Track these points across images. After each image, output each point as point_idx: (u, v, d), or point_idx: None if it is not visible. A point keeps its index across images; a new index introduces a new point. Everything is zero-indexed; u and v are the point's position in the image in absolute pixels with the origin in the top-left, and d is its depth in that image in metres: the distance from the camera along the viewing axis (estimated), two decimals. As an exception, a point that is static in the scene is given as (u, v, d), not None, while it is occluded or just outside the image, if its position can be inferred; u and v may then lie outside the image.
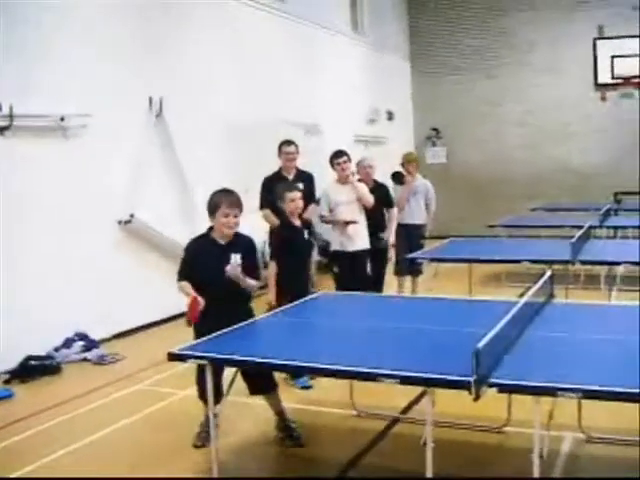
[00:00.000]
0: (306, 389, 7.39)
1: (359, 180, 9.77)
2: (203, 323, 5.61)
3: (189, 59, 11.58)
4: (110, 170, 9.92)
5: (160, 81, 10.86)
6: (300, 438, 6.12)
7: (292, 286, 7.11)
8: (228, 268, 5.73)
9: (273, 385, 6.11)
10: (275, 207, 8.27)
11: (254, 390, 6.05)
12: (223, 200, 5.85)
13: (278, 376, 6.46)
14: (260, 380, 5.96)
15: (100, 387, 7.88)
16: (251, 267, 5.98)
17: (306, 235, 7.52)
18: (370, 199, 9.35)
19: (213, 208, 5.86)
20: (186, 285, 5.80)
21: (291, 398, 7.04)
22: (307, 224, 9.61)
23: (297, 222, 7.39)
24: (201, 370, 5.41)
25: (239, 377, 5.79)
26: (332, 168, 9.43)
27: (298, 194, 7.33)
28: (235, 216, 5.85)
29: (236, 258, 5.84)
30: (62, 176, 9.25)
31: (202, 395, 5.74)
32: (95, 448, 6.22)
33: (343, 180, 9.30)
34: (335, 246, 9.36)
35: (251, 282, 5.91)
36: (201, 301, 5.60)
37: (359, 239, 9.32)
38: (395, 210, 10.45)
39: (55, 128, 9.12)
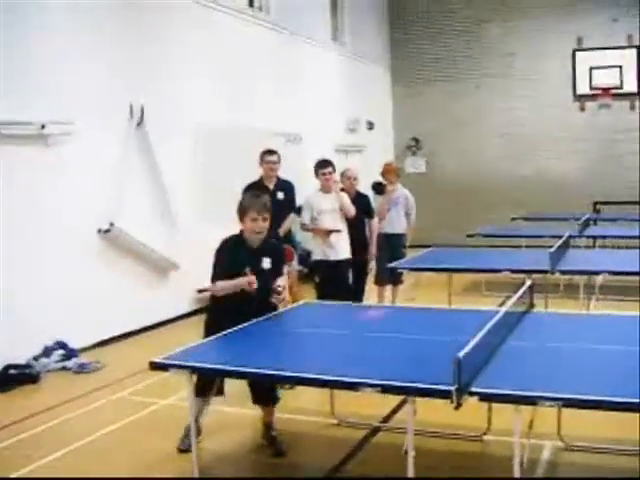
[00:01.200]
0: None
1: (341, 190, 9.79)
2: (220, 325, 5.70)
3: (170, 68, 11.58)
4: (90, 178, 9.89)
5: (141, 89, 10.84)
6: (282, 449, 6.13)
7: None
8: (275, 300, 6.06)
9: (275, 399, 6.18)
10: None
11: (257, 400, 6.13)
12: (252, 205, 5.92)
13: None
14: (265, 392, 6.05)
15: (80, 396, 7.83)
16: (277, 272, 6.13)
17: None
18: (352, 209, 9.37)
19: (242, 212, 5.93)
20: (225, 283, 5.83)
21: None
22: (287, 233, 9.67)
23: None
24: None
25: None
26: (316, 177, 9.44)
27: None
28: (264, 219, 5.92)
29: (267, 262, 6.01)
30: (42, 184, 9.21)
31: (198, 392, 5.76)
32: (74, 457, 6.19)
33: (327, 190, 9.32)
34: (317, 255, 9.37)
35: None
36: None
37: (341, 248, 9.34)
38: (375, 221, 10.49)
39: (36, 136, 9.08)
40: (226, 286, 5.80)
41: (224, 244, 6.00)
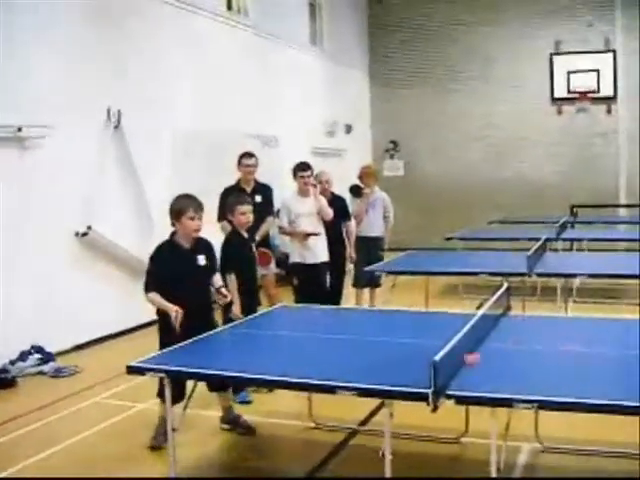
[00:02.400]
0: (246, 404, 7.26)
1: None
2: (170, 333, 5.71)
3: (148, 70, 11.54)
4: (68, 181, 9.83)
5: (118, 92, 10.80)
6: (250, 426, 6.38)
7: (243, 300, 6.99)
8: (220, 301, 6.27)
9: (228, 385, 6.33)
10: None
11: (213, 388, 6.26)
12: (188, 204, 6.05)
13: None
14: (219, 381, 6.02)
15: (56, 400, 7.78)
16: (214, 268, 6.36)
17: (253, 247, 7.48)
18: (329, 212, 9.35)
19: (178, 213, 6.04)
20: (157, 297, 5.91)
21: (248, 410, 7.03)
22: (264, 236, 9.63)
23: (245, 234, 7.32)
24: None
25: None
26: (294, 179, 9.42)
27: (249, 207, 7.26)
28: (199, 219, 6.07)
29: (202, 258, 6.15)
30: (19, 187, 9.16)
31: (160, 393, 5.74)
32: (51, 462, 6.14)
33: (305, 193, 9.30)
34: (294, 258, 9.36)
35: (218, 282, 6.39)
36: (180, 311, 5.73)
37: (319, 251, 9.32)
38: (353, 223, 10.50)
39: (12, 139, 9.03)
40: (156, 301, 5.94)
41: (158, 252, 6.13)
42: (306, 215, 9.26)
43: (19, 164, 9.22)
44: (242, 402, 7.24)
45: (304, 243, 9.20)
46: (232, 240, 7.28)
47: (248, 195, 9.09)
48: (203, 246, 6.24)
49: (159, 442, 6.03)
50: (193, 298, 5.95)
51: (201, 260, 6.16)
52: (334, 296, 9.82)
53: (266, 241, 9.87)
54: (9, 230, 8.99)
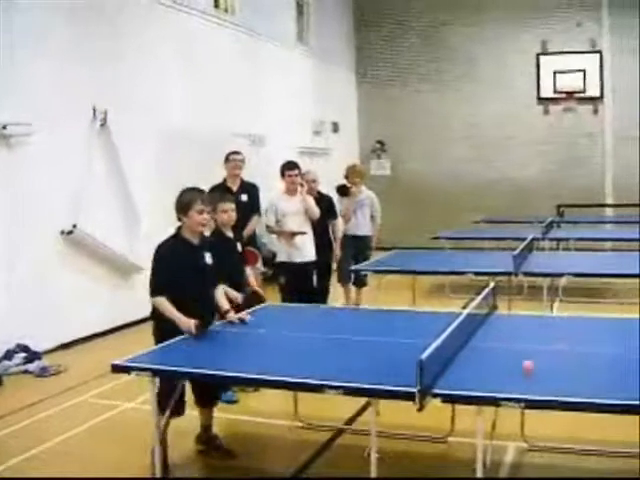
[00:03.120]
0: (231, 403, 7.26)
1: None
2: (168, 333, 5.55)
3: (135, 69, 11.51)
4: (53, 179, 9.78)
5: (105, 90, 10.75)
6: (228, 449, 6.11)
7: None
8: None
9: (217, 399, 6.15)
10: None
11: (200, 402, 6.03)
12: (197, 197, 5.84)
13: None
14: (209, 393, 5.98)
15: (42, 400, 7.75)
16: (216, 271, 6.10)
17: (239, 247, 7.26)
18: (316, 212, 9.34)
19: (186, 206, 5.80)
20: (165, 304, 5.61)
21: (235, 409, 7.04)
22: (250, 235, 9.63)
23: (229, 233, 7.17)
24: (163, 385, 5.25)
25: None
26: (282, 178, 9.42)
27: (231, 205, 7.10)
28: (208, 213, 5.90)
29: (209, 256, 5.97)
30: (4, 185, 9.12)
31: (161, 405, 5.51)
32: (36, 462, 6.11)
33: (292, 192, 9.29)
34: (281, 257, 9.34)
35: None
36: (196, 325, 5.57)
37: (306, 250, 9.31)
38: (339, 221, 10.51)
39: (-3, 136, 9.02)
40: (165, 309, 5.61)
41: (163, 248, 5.83)
42: (293, 214, 9.25)
43: (4, 162, 9.18)
44: (228, 402, 7.22)
45: (291, 242, 9.20)
46: (212, 239, 7.22)
47: (234, 194, 9.11)
48: (208, 244, 6.08)
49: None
50: (198, 297, 5.77)
51: (208, 258, 5.95)
52: (321, 295, 9.83)
53: (253, 240, 9.87)
54: (-6, 228, 8.96)
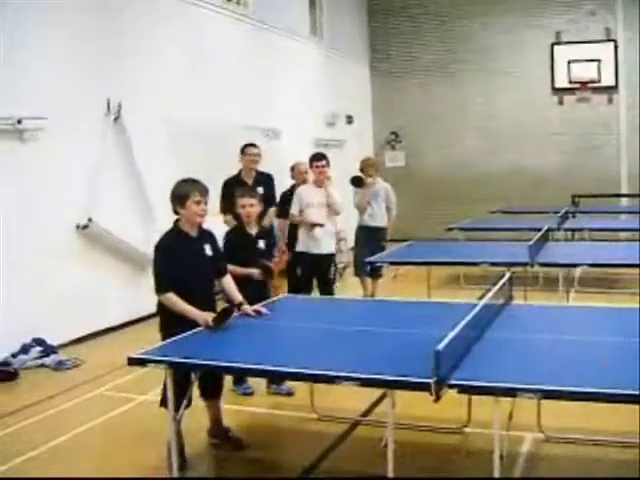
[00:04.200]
0: (247, 395, 7.28)
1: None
2: (177, 328, 5.47)
3: (148, 62, 11.51)
4: (68, 173, 9.82)
5: (118, 84, 10.77)
6: (240, 440, 6.09)
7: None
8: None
9: (221, 390, 6.10)
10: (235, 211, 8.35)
11: (206, 394, 6.01)
12: (194, 188, 5.78)
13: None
14: (214, 384, 5.96)
15: (58, 393, 7.77)
16: (221, 261, 6.10)
17: (262, 244, 7.11)
18: (339, 208, 9.38)
19: (183, 198, 5.73)
20: (174, 299, 5.55)
21: (251, 402, 7.06)
22: (267, 228, 9.62)
23: (252, 230, 7.09)
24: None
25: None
26: (310, 169, 9.52)
27: (250, 200, 6.99)
28: (205, 203, 5.80)
29: (208, 248, 5.88)
30: (19, 179, 9.15)
31: (164, 403, 5.49)
32: (53, 455, 6.13)
33: (319, 183, 9.33)
34: (300, 247, 9.36)
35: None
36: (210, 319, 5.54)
37: (325, 243, 9.33)
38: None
39: (11, 131, 9.01)
40: (176, 305, 5.55)
41: (163, 243, 5.76)
42: (316, 206, 9.29)
43: (19, 156, 9.20)
44: (244, 394, 7.24)
45: (310, 233, 9.22)
46: (231, 234, 7.22)
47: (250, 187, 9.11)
48: (208, 236, 5.98)
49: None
50: (202, 290, 5.74)
51: (208, 250, 5.88)
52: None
53: (270, 233, 9.87)
54: (10, 223, 8.97)
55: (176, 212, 5.85)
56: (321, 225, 9.24)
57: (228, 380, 6.98)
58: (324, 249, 9.31)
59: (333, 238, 9.52)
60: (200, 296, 5.67)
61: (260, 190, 9.50)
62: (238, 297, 6.17)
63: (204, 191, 5.83)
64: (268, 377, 6.73)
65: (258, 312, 6.13)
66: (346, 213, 9.88)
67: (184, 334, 5.42)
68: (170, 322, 5.63)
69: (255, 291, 6.68)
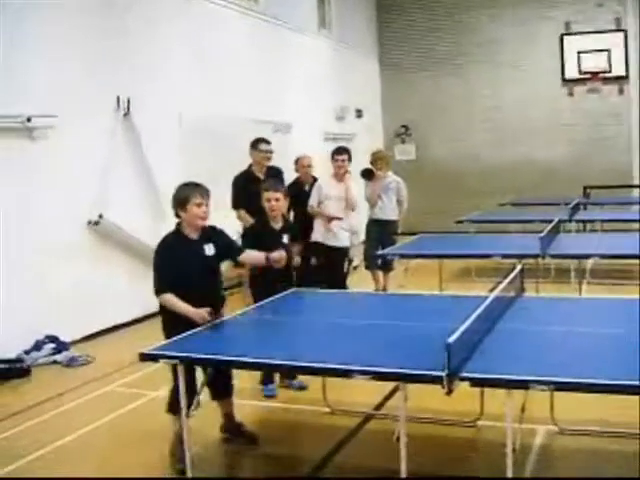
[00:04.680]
0: (271, 397, 7.20)
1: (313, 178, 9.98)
2: (178, 327, 5.43)
3: (157, 58, 11.51)
4: (78, 170, 9.83)
5: (127, 80, 10.78)
6: (253, 435, 6.09)
7: (268, 295, 6.66)
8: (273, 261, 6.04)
9: (232, 389, 6.07)
10: (249, 206, 8.41)
11: (217, 395, 6.00)
12: (194, 190, 5.75)
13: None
14: (224, 384, 5.94)
15: (70, 390, 7.80)
16: (230, 245, 6.06)
17: (286, 239, 6.99)
18: (355, 203, 9.52)
19: (184, 201, 5.70)
20: (173, 300, 5.53)
21: (262, 396, 7.06)
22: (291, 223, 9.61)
23: (276, 224, 7.03)
24: (177, 384, 5.13)
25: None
26: (332, 162, 9.63)
27: (274, 194, 6.93)
28: (207, 205, 5.75)
29: (210, 248, 5.80)
30: (29, 177, 9.16)
31: (172, 407, 5.56)
32: (65, 452, 6.15)
33: (339, 177, 9.43)
34: (316, 237, 9.42)
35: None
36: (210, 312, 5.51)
37: (341, 236, 9.42)
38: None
39: (21, 129, 9.02)
40: (175, 305, 5.51)
41: (163, 245, 5.76)
42: (335, 199, 9.44)
43: (29, 154, 9.21)
44: (268, 396, 7.19)
45: (327, 226, 9.27)
46: (253, 228, 7.27)
47: (261, 182, 9.10)
48: (210, 234, 5.89)
49: (182, 462, 5.33)
50: (203, 290, 5.66)
51: (208, 250, 5.79)
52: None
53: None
54: (21, 220, 9.00)
55: (178, 215, 5.81)
56: (339, 218, 9.30)
57: (253, 377, 7.06)
58: (340, 242, 9.38)
59: (348, 232, 9.57)
60: (202, 298, 5.59)
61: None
62: (260, 257, 6.15)
63: (205, 193, 5.79)
64: (281, 372, 6.70)
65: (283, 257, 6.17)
66: (358, 207, 9.89)
67: (193, 330, 5.42)
68: (172, 322, 5.60)
69: (279, 274, 6.60)
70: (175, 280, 5.58)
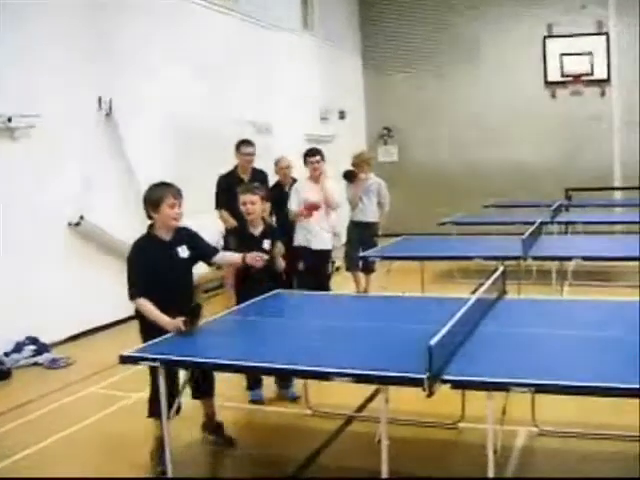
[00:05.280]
0: (258, 403, 7.11)
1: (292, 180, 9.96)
2: (154, 333, 5.38)
3: (139, 58, 11.46)
4: (59, 171, 9.79)
5: (110, 80, 10.74)
6: (231, 437, 6.10)
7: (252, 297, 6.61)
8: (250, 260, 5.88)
9: (213, 389, 6.05)
10: (231, 207, 8.38)
11: (198, 394, 5.98)
12: (167, 191, 5.66)
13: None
14: (205, 384, 5.92)
15: (51, 392, 7.77)
16: (206, 247, 5.95)
17: (267, 245, 6.78)
18: (334, 203, 9.43)
19: (156, 202, 5.60)
20: (148, 306, 5.46)
21: (246, 398, 7.04)
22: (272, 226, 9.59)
23: (256, 229, 6.88)
24: (156, 384, 5.08)
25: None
26: (305, 165, 9.55)
27: (251, 197, 6.77)
28: (180, 206, 5.66)
29: (183, 250, 5.71)
30: (9, 177, 9.12)
31: (153, 410, 5.53)
32: (47, 454, 6.13)
33: (315, 179, 9.36)
34: (300, 241, 9.35)
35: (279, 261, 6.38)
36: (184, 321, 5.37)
37: (323, 238, 9.39)
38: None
39: (2, 129, 8.99)
40: (148, 311, 5.46)
41: (135, 248, 5.68)
42: (314, 200, 9.30)
43: (10, 154, 9.17)
44: (253, 401, 7.12)
45: (308, 225, 9.21)
46: (234, 233, 7.20)
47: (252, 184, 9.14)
48: (184, 236, 5.80)
49: (162, 465, 5.33)
50: (177, 293, 5.60)
51: (182, 252, 5.70)
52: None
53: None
54: (2, 220, 8.94)
55: (150, 217, 5.72)
56: (318, 206, 9.25)
57: (237, 379, 7.08)
58: (324, 244, 9.35)
59: (330, 234, 9.55)
60: (176, 301, 5.52)
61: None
62: (237, 257, 6.09)
63: (178, 194, 5.69)
64: (260, 374, 6.62)
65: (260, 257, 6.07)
66: (339, 206, 9.88)
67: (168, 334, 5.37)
68: (148, 326, 5.54)
69: (263, 276, 6.60)
70: (149, 283, 5.50)
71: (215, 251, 6.05)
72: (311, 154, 9.45)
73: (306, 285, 8.89)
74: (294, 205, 9.41)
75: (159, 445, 5.41)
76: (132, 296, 5.54)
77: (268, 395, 7.20)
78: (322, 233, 9.37)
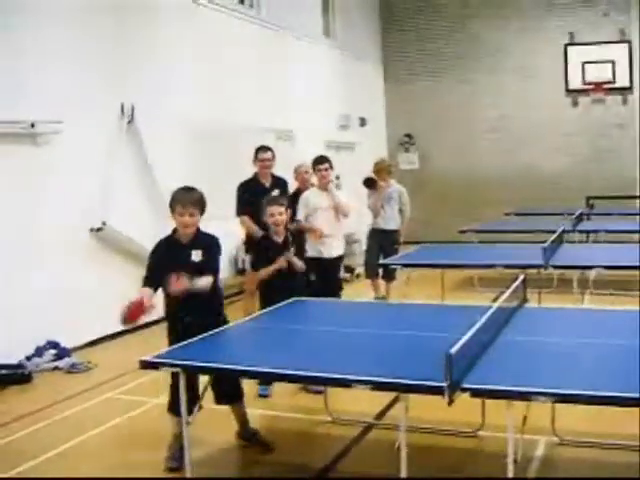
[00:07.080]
0: (263, 397, 7.33)
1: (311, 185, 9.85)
2: (175, 331, 5.60)
3: (161, 65, 11.53)
4: (81, 177, 9.85)
5: (132, 87, 10.81)
6: (269, 443, 6.11)
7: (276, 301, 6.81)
8: (172, 288, 5.62)
9: (240, 394, 6.08)
10: (252, 214, 8.42)
11: (221, 399, 6.00)
12: (178, 201, 5.77)
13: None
14: (228, 389, 5.93)
15: (71, 396, 7.80)
16: (208, 264, 5.87)
17: (291, 252, 7.15)
18: (346, 209, 9.25)
19: (170, 207, 5.81)
20: (143, 290, 5.72)
21: (266, 405, 7.05)
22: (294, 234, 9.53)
23: (278, 238, 7.13)
24: (176, 382, 5.25)
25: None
26: (313, 173, 9.44)
27: (278, 209, 7.08)
28: (190, 215, 5.74)
29: (197, 254, 5.78)
30: (33, 183, 9.18)
31: (172, 407, 5.65)
32: (66, 458, 6.15)
33: (323, 187, 9.24)
34: (311, 252, 9.23)
35: (200, 282, 5.65)
36: (147, 305, 5.56)
37: (335, 244, 9.26)
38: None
39: (25, 135, 9.05)
40: (147, 303, 5.66)
41: (156, 246, 5.93)
42: (324, 209, 9.13)
43: (33, 160, 9.23)
44: (260, 395, 7.29)
45: (317, 241, 9.10)
46: (260, 242, 7.46)
47: (267, 190, 9.15)
48: (203, 242, 5.88)
49: (177, 461, 5.61)
50: (184, 295, 5.64)
51: (195, 256, 5.78)
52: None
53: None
54: (24, 226, 9.01)
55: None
56: (327, 236, 9.13)
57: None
58: (335, 251, 9.23)
59: (342, 240, 9.46)
60: (189, 301, 5.67)
61: (276, 193, 9.48)
62: (206, 280, 5.84)
63: (189, 203, 5.75)
64: (277, 380, 6.61)
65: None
66: (358, 214, 9.82)
67: (195, 338, 5.44)
68: (170, 328, 5.86)
69: (288, 284, 6.98)
70: (157, 280, 5.70)
71: (209, 272, 5.85)
72: (320, 162, 9.33)
73: (316, 294, 8.85)
74: (301, 215, 9.26)
75: (175, 441, 5.64)
76: (142, 285, 5.81)
77: (289, 402, 7.21)
78: (333, 241, 9.26)
